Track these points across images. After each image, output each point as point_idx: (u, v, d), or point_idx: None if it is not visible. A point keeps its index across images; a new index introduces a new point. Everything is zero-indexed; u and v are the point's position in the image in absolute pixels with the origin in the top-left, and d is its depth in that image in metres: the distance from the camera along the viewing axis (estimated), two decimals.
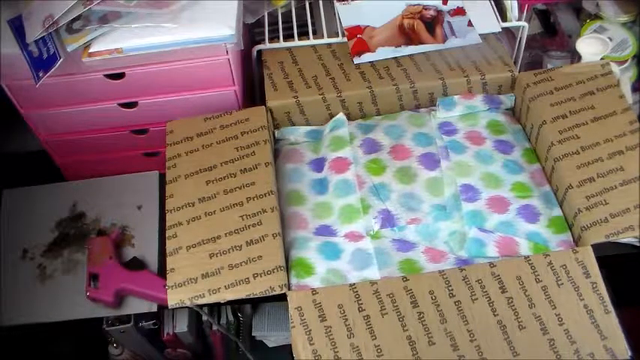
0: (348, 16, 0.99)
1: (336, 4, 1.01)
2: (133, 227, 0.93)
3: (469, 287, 0.74)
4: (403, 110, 0.95)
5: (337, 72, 0.94)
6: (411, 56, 0.95)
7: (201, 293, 0.75)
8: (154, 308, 0.86)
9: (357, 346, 0.71)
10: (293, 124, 0.95)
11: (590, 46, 0.94)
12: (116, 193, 0.96)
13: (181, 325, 1.05)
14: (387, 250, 0.81)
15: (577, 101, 0.88)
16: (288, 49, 0.98)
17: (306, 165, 0.90)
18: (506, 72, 0.93)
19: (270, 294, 0.75)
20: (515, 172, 0.86)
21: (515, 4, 0.97)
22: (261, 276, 0.75)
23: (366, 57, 0.94)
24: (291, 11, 1.01)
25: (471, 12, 0.98)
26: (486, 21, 0.97)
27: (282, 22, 0.99)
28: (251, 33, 1.09)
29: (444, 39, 0.95)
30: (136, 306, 0.87)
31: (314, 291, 0.75)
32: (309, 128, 0.94)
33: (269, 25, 0.99)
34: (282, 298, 0.75)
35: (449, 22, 0.97)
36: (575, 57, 0.98)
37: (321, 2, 1.01)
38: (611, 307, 0.72)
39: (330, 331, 0.72)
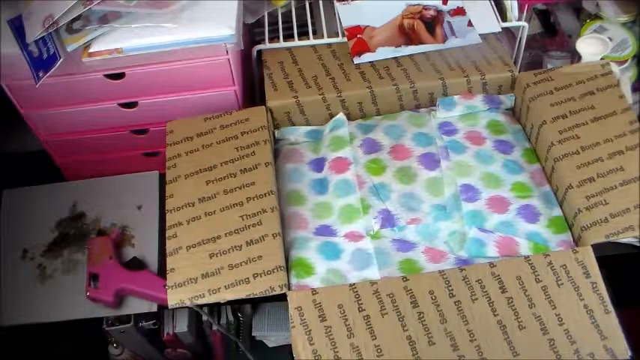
0: (348, 16, 0.99)
1: (336, 4, 1.01)
2: (133, 227, 0.93)
3: (469, 287, 0.74)
4: (403, 110, 0.95)
5: (337, 72, 0.94)
6: (411, 56, 0.95)
7: (201, 293, 0.75)
8: (154, 308, 0.86)
9: (357, 346, 0.71)
10: (293, 124, 0.95)
11: (590, 46, 0.94)
12: (116, 193, 0.96)
13: (181, 325, 1.05)
14: (387, 250, 0.81)
15: (577, 101, 0.88)
16: (288, 49, 0.98)
17: (306, 165, 0.90)
18: (506, 72, 0.93)
19: (270, 294, 0.75)
20: (515, 172, 0.86)
21: (515, 4, 0.97)
22: (261, 276, 0.75)
23: (366, 57, 0.94)
24: (291, 11, 1.01)
25: (471, 12, 0.98)
26: (486, 21, 0.97)
27: (282, 22, 0.99)
28: (251, 33, 1.09)
29: (444, 39, 0.95)
30: (136, 306, 0.87)
31: (314, 291, 0.75)
32: (309, 128, 0.94)
33: (269, 25, 0.99)
34: (282, 298, 0.75)
35: (449, 22, 0.97)
36: (575, 57, 0.98)
37: (321, 2, 1.01)
38: (611, 307, 0.72)
39: (330, 331, 0.72)
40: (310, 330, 0.72)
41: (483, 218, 0.82)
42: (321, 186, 0.87)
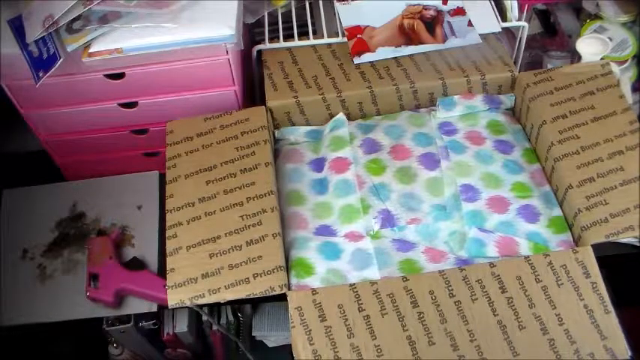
0: (348, 16, 0.99)
1: (336, 4, 1.01)
2: (133, 227, 0.93)
3: (469, 287, 0.74)
4: (403, 110, 0.95)
5: (337, 72, 0.94)
6: (411, 56, 0.95)
7: (201, 293, 0.75)
8: (154, 308, 0.86)
9: (357, 346, 0.71)
10: (293, 124, 0.95)
11: (590, 46, 0.94)
12: (116, 193, 0.96)
13: (181, 325, 1.05)
14: (387, 250, 0.81)
15: (577, 101, 0.88)
16: (288, 49, 0.98)
17: (306, 165, 0.90)
18: (506, 72, 0.93)
19: (270, 294, 0.75)
20: (515, 172, 0.86)
21: (515, 4, 0.97)
22: (261, 276, 0.75)
23: (366, 57, 0.94)
24: (291, 11, 1.01)
25: (471, 12, 0.98)
26: (486, 21, 0.97)
27: (282, 22, 0.99)
28: (251, 33, 1.09)
29: (444, 39, 0.95)
30: (136, 306, 0.87)
31: (314, 291, 0.75)
32: (309, 128, 0.94)
33: (269, 25, 0.99)
34: (282, 298, 0.75)
35: (449, 22, 0.97)
36: (575, 57, 0.98)
37: (321, 2, 1.01)
38: (611, 307, 0.72)
39: (330, 331, 0.72)
40: (310, 330, 0.72)
41: (483, 218, 0.82)
42: (321, 186, 0.87)
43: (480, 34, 0.95)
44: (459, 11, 0.98)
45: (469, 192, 0.84)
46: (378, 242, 0.81)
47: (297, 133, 0.94)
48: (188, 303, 0.75)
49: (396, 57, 0.95)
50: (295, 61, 0.96)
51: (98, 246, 0.89)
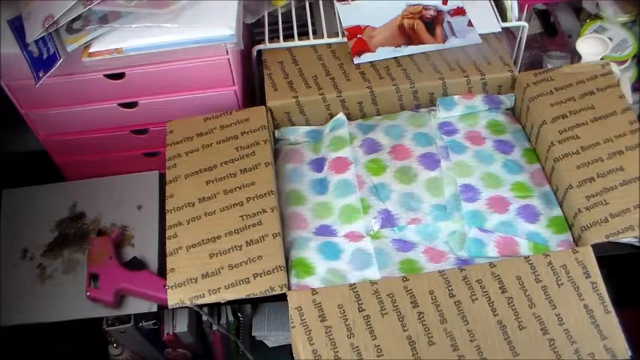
0: (348, 16, 0.99)
1: (336, 4, 1.01)
2: (133, 227, 0.93)
3: (469, 287, 0.74)
4: (403, 110, 0.95)
5: (337, 72, 0.94)
6: (411, 56, 0.95)
7: (201, 293, 0.75)
8: (154, 308, 0.86)
9: (357, 346, 0.71)
10: (293, 124, 0.95)
11: (590, 46, 0.94)
12: (116, 193, 0.96)
13: (181, 325, 1.05)
14: (387, 250, 0.81)
15: (577, 101, 0.88)
16: (288, 49, 0.98)
17: (306, 165, 0.90)
18: (506, 72, 0.93)
19: (270, 294, 0.75)
20: (515, 172, 0.86)
21: (515, 4, 0.97)
22: (261, 276, 0.75)
23: (366, 57, 0.94)
24: (291, 11, 1.01)
25: (471, 12, 0.98)
26: (486, 21, 0.97)
27: (282, 22, 0.99)
28: (251, 33, 1.09)
29: (444, 39, 0.95)
30: (136, 306, 0.87)
31: (314, 291, 0.75)
32: (309, 128, 0.94)
33: (269, 25, 0.99)
34: (282, 298, 0.75)
35: (449, 22, 0.97)
36: (575, 57, 0.98)
37: (321, 2, 1.01)
38: (611, 307, 0.72)
39: (330, 331, 0.72)
40: (310, 330, 0.72)
41: (483, 218, 0.82)
42: (321, 186, 0.87)
43: (480, 34, 0.95)
44: (459, 11, 0.98)
45: (469, 192, 0.84)
46: (378, 242, 0.81)
47: (297, 133, 0.94)
48: (188, 303, 0.75)
49: (396, 57, 0.95)
50: (295, 61, 0.96)
51: (98, 246, 0.89)
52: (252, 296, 0.75)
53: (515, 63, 1.00)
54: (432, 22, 0.97)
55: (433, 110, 0.94)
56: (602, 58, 0.93)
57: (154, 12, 0.82)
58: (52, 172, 1.03)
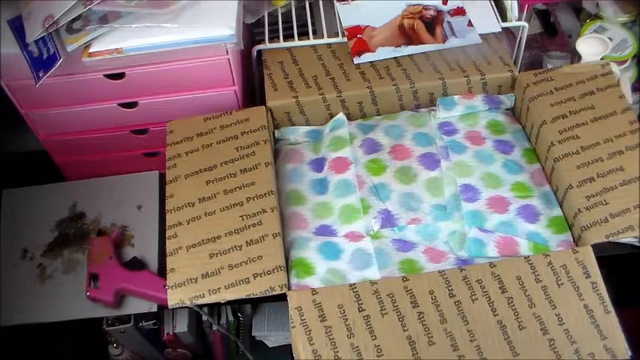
0: (348, 16, 0.99)
1: (336, 4, 1.01)
2: (133, 227, 0.93)
3: (469, 287, 0.74)
4: (403, 110, 0.95)
5: (337, 72, 0.94)
6: (411, 56, 0.95)
7: (201, 293, 0.75)
8: (154, 308, 0.86)
9: (357, 346, 0.71)
10: (293, 124, 0.95)
11: (590, 46, 0.94)
12: (116, 193, 0.96)
13: (181, 325, 1.05)
14: (387, 250, 0.81)
15: (577, 101, 0.88)
16: (288, 49, 0.98)
17: (306, 165, 0.90)
18: (506, 72, 0.93)
19: (270, 294, 0.75)
20: (515, 172, 0.86)
21: (515, 4, 0.97)
22: (261, 276, 0.75)
23: (366, 57, 0.94)
24: (291, 11, 1.01)
25: (471, 12, 0.98)
26: (486, 21, 0.97)
27: (282, 22, 0.99)
28: (251, 33, 1.09)
29: (444, 39, 0.95)
30: (136, 306, 0.87)
31: (314, 291, 0.75)
32: (309, 128, 0.94)
33: (269, 25, 0.99)
34: (282, 298, 0.75)
35: (449, 22, 0.97)
36: (575, 57, 0.98)
37: (321, 2, 1.01)
38: (611, 307, 0.72)
39: (330, 331, 0.72)
40: (310, 330, 0.72)
41: (483, 218, 0.82)
42: (321, 186, 0.87)
43: (480, 34, 0.95)
44: (459, 11, 0.98)
45: (469, 192, 0.84)
46: (378, 242, 0.81)
47: (297, 133, 0.94)
48: (188, 303, 0.75)
49: (396, 57, 0.95)
50: (295, 61, 0.96)
51: (98, 246, 0.89)
52: (252, 296, 0.75)
53: (515, 63, 1.00)
54: (432, 22, 0.97)
55: (433, 110, 0.94)
56: (602, 58, 0.93)
57: (154, 12, 0.82)
58: (52, 172, 1.03)
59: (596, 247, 0.76)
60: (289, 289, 0.77)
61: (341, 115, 0.93)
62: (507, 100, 0.95)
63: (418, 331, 0.71)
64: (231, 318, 1.14)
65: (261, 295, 0.75)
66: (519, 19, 0.98)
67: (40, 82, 0.81)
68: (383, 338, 0.71)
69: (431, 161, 0.87)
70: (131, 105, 0.93)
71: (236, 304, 1.14)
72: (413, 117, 0.93)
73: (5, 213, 0.95)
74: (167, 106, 0.93)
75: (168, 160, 0.86)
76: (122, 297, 0.87)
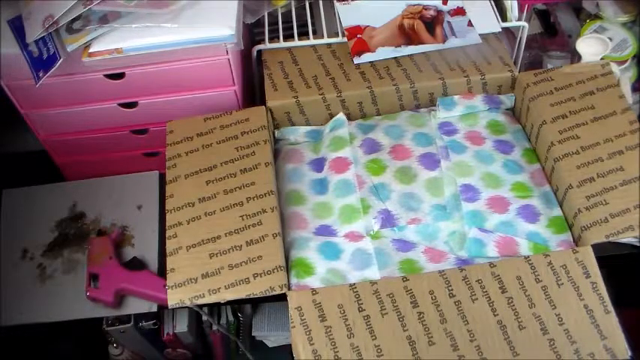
0: (348, 16, 0.99)
1: (336, 4, 1.01)
2: (133, 227, 0.93)
3: (469, 287, 0.74)
4: (403, 110, 0.95)
5: (337, 72, 0.94)
6: (411, 56, 0.95)
7: (201, 293, 0.75)
8: (154, 308, 0.86)
9: (357, 346, 0.71)
10: (293, 124, 0.95)
11: (590, 46, 0.94)
12: (116, 193, 0.96)
13: (181, 325, 1.05)
14: (387, 250, 0.81)
15: (577, 101, 0.88)
16: (288, 49, 0.98)
17: (306, 165, 0.90)
18: (506, 72, 0.93)
19: (270, 294, 0.75)
20: (515, 172, 0.86)
21: (515, 4, 0.97)
22: (261, 276, 0.75)
23: (366, 57, 0.94)
24: (291, 11, 1.01)
25: (471, 12, 0.98)
26: (486, 21, 0.97)
27: (282, 22, 0.99)
28: (251, 33, 1.10)
29: (444, 39, 0.95)
30: (136, 306, 0.87)
31: (314, 291, 0.75)
32: (309, 128, 0.94)
33: (269, 25, 0.99)
34: (282, 298, 0.75)
35: (449, 22, 0.97)
36: (575, 57, 0.98)
37: (321, 2, 1.01)
38: (611, 307, 0.72)
39: (330, 331, 0.72)
40: (310, 330, 0.72)
41: (483, 218, 0.82)
42: (321, 186, 0.87)
43: (480, 34, 0.95)
44: (459, 11, 0.98)
45: (469, 192, 0.84)
46: (378, 242, 0.81)
47: (297, 133, 0.94)
48: (188, 303, 0.75)
49: (396, 57, 0.95)
50: (295, 61, 0.96)
51: (98, 246, 0.89)
52: (252, 296, 0.75)
53: (515, 63, 1.00)
54: (432, 22, 0.97)
55: (433, 110, 0.94)
56: (602, 58, 0.93)
57: (154, 12, 0.82)
58: (52, 172, 1.03)
59: (596, 247, 0.76)
60: (289, 289, 0.77)
61: (341, 115, 0.93)
62: (507, 100, 0.95)
63: (418, 331, 0.71)
64: (231, 318, 1.14)
65: (261, 295, 0.75)
66: (519, 19, 0.98)
67: (40, 82, 0.81)
68: (383, 338, 0.71)
69: (431, 161, 0.87)
70: (131, 105, 0.93)
71: (236, 304, 1.14)
72: (413, 117, 0.93)
73: (5, 213, 0.95)
74: (167, 106, 0.93)
75: (168, 160, 0.86)
76: (122, 297, 0.87)
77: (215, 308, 1.12)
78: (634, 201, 0.78)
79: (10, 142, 1.09)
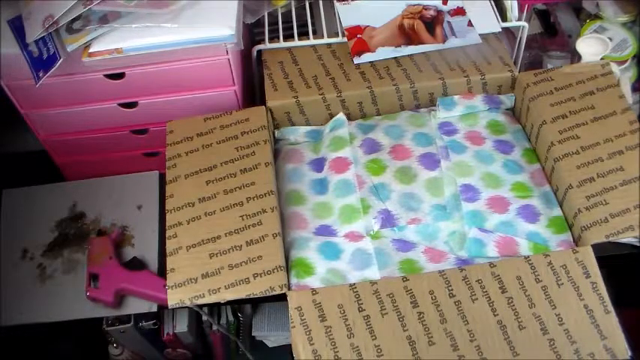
0: (348, 16, 0.99)
1: (336, 4, 1.01)
2: (133, 227, 0.93)
3: (469, 287, 0.74)
4: (403, 110, 0.95)
5: (337, 72, 0.94)
6: (411, 56, 0.95)
7: (201, 293, 0.75)
8: (154, 308, 0.86)
9: (357, 346, 0.71)
10: (293, 124, 0.95)
11: (590, 46, 0.94)
12: (116, 193, 0.96)
13: (181, 325, 1.05)
14: (387, 250, 0.81)
15: (577, 101, 0.88)
16: (288, 49, 0.98)
17: (306, 165, 0.90)
18: (506, 72, 0.93)
19: (270, 294, 0.75)
20: (515, 172, 0.86)
21: (515, 4, 0.97)
22: (261, 276, 0.75)
23: (366, 57, 0.94)
24: (291, 11, 1.01)
25: (471, 12, 0.98)
26: (486, 21, 0.97)
27: (282, 22, 0.99)
28: (251, 33, 1.10)
29: (444, 39, 0.95)
30: (136, 306, 0.87)
31: (314, 291, 0.75)
32: (309, 128, 0.94)
33: (269, 25, 0.99)
34: (282, 298, 0.75)
35: (449, 22, 0.97)
36: (575, 57, 0.98)
37: (321, 2, 1.01)
38: (611, 307, 0.72)
39: (330, 331, 0.72)
40: (310, 330, 0.72)
41: (483, 218, 0.82)
42: (321, 186, 0.87)
43: (480, 34, 0.95)
44: (459, 11, 0.98)
45: (469, 192, 0.84)
46: (378, 242, 0.81)
47: (297, 133, 0.94)
48: (188, 303, 0.75)
49: (396, 57, 0.95)
50: (295, 61, 0.96)
51: (98, 246, 0.89)
52: (252, 296, 0.75)
53: (515, 63, 1.00)
54: (432, 22, 0.97)
55: (433, 110, 0.94)
56: (602, 58, 0.93)
57: (154, 12, 0.82)
58: (52, 172, 1.03)
59: (596, 247, 0.76)
60: (289, 289, 0.77)
61: (341, 115, 0.93)
62: (507, 100, 0.95)
63: (418, 331, 0.71)
64: (231, 318, 1.14)
65: (261, 295, 0.75)
66: (519, 19, 0.98)
67: (40, 82, 0.81)
68: (383, 338, 0.71)
69: (431, 161, 0.87)
70: (131, 105, 0.93)
71: (236, 304, 1.14)
72: (413, 117, 0.93)
73: (5, 213, 0.95)
74: (167, 106, 0.93)
75: (168, 160, 0.86)
76: (122, 297, 0.87)
77: (215, 308, 1.12)
78: (634, 201, 0.78)
79: (10, 142, 1.09)
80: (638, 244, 0.82)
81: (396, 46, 0.95)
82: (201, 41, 0.83)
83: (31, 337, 1.01)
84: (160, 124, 0.94)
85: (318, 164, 0.90)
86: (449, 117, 0.93)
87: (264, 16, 0.99)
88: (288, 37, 0.98)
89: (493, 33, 0.97)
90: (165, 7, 0.83)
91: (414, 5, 0.99)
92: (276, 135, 0.94)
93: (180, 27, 0.82)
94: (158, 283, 0.85)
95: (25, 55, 0.82)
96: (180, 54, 0.86)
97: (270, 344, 1.23)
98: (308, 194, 0.87)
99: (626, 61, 0.98)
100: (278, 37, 0.98)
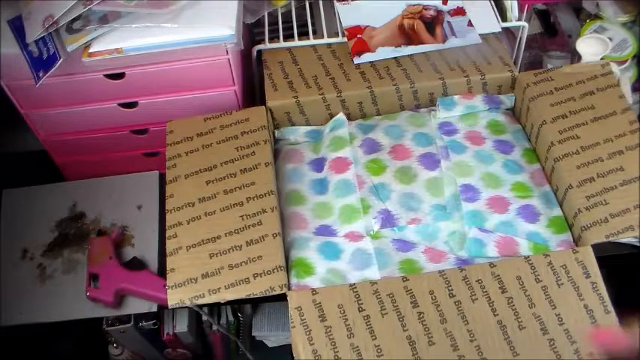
0: (348, 16, 0.99)
1: (336, 4, 1.01)
2: (133, 227, 0.93)
3: (469, 287, 0.74)
4: (403, 110, 0.95)
5: (337, 72, 0.94)
6: (411, 56, 0.95)
7: (201, 293, 0.75)
8: (154, 308, 0.86)
9: (357, 346, 0.71)
10: (293, 124, 0.95)
11: (590, 46, 0.94)
12: (116, 193, 0.96)
13: (181, 325, 1.05)
14: (387, 250, 0.81)
15: (577, 101, 0.88)
16: (288, 49, 0.98)
17: (306, 165, 0.90)
18: (506, 72, 0.93)
19: (270, 294, 0.75)
20: (515, 172, 0.86)
21: (515, 4, 0.97)
22: (261, 276, 0.75)
23: (366, 57, 0.94)
24: (291, 11, 1.01)
25: (471, 12, 0.98)
26: (486, 21, 0.97)
27: (282, 22, 0.99)
28: (251, 33, 1.10)
29: (444, 39, 0.95)
30: (136, 306, 0.87)
31: (314, 291, 0.75)
32: (309, 128, 0.94)
33: (269, 25, 0.99)
34: (282, 298, 0.75)
35: (449, 22, 0.97)
36: (575, 57, 0.98)
37: (321, 2, 1.01)
38: (611, 307, 0.72)
39: (330, 331, 0.72)
40: (310, 330, 0.72)
41: (483, 218, 0.82)
42: (321, 186, 0.87)
43: (480, 34, 0.95)
44: (459, 11, 0.98)
45: (469, 192, 0.84)
46: (378, 242, 0.81)
47: (297, 133, 0.94)
48: (188, 303, 0.75)
49: (396, 57, 0.95)
50: (295, 61, 0.96)
51: (98, 246, 0.89)
52: (252, 296, 0.75)
53: (515, 63, 1.00)
54: (432, 22, 0.97)
55: (433, 110, 0.94)
56: (602, 58, 0.93)
57: (154, 12, 0.82)
58: (52, 172, 1.03)
59: (596, 247, 0.76)
60: (289, 289, 0.77)
61: (341, 115, 0.93)
62: (507, 100, 0.95)
63: (418, 331, 0.71)
64: (231, 318, 1.14)
65: (261, 295, 0.75)
66: (519, 19, 0.98)
67: (40, 82, 0.81)
68: (383, 338, 0.71)
69: (431, 161, 0.87)
70: (131, 105, 0.93)
71: (236, 304, 1.14)
72: (413, 117, 0.93)
73: (5, 213, 0.95)
74: (167, 106, 0.93)
75: (168, 160, 0.86)
76: (122, 297, 0.87)
77: (215, 308, 1.12)
78: (634, 201, 0.78)
79: (10, 142, 1.09)
80: (638, 244, 0.82)
81: (396, 46, 0.95)
82: (201, 41, 0.83)
83: (31, 337, 1.01)
84: (159, 124, 0.94)
85: (318, 164, 0.90)
86: (449, 117, 0.93)
87: (264, 16, 0.99)
88: (288, 37, 0.98)
89: (493, 33, 0.97)
90: (165, 7, 0.83)
91: (414, 5, 0.99)
92: (276, 135, 0.94)
93: (180, 27, 0.82)
94: (158, 283, 0.85)
95: (25, 55, 0.82)
96: (180, 54, 0.86)
97: (270, 344, 1.23)
98: (308, 194, 0.87)
99: (626, 61, 0.98)
100: (278, 37, 0.98)
